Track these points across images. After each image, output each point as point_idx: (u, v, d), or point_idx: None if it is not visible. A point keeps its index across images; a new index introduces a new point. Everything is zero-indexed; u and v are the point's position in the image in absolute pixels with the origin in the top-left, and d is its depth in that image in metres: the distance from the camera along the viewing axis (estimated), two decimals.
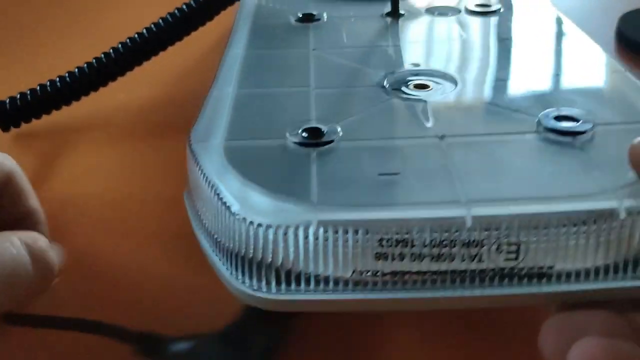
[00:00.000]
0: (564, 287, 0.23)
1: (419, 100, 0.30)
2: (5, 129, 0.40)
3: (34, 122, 0.40)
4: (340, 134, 0.27)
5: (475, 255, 0.23)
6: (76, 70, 0.40)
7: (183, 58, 0.48)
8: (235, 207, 0.23)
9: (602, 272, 0.23)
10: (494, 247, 0.22)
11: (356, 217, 0.22)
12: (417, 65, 0.33)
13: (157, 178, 0.37)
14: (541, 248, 0.23)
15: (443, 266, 0.23)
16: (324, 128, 0.27)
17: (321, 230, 0.22)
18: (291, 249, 0.23)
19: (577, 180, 0.24)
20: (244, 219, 0.23)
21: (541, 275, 0.23)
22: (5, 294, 0.23)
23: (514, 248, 0.22)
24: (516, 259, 0.23)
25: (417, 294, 0.23)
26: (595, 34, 0.51)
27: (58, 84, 0.40)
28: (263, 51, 0.36)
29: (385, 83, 0.31)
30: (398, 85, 0.31)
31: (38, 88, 0.40)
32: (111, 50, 0.41)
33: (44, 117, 0.40)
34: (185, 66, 0.49)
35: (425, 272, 0.23)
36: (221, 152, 0.26)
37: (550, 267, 0.23)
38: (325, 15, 0.41)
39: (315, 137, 0.27)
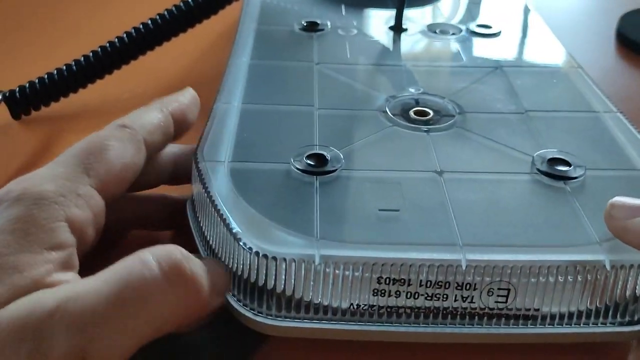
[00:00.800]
0: (549, 329, 0.24)
1: (419, 129, 0.31)
2: (16, 117, 0.41)
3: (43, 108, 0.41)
4: (343, 161, 0.28)
5: (468, 297, 0.24)
6: (82, 58, 0.41)
7: (195, 43, 0.48)
8: (241, 236, 0.24)
9: (584, 317, 0.24)
10: (486, 290, 0.24)
11: (357, 254, 0.23)
12: (418, 89, 0.34)
13: None
14: (530, 292, 0.24)
15: (437, 304, 0.24)
16: (327, 155, 0.28)
17: (323, 265, 0.23)
18: (293, 280, 0.24)
19: (567, 228, 0.25)
20: (250, 248, 0.24)
21: (527, 317, 0.24)
22: (140, 322, 0.21)
23: (504, 292, 0.24)
24: (506, 301, 0.24)
25: (409, 328, 0.24)
26: (596, 34, 0.52)
27: (65, 72, 0.41)
28: (267, 62, 0.37)
29: (386, 108, 0.32)
30: (399, 112, 0.32)
31: (46, 77, 0.40)
32: (116, 39, 0.41)
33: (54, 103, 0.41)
34: (196, 52, 0.49)
35: (419, 308, 0.24)
36: (227, 174, 0.27)
37: (537, 310, 0.24)
38: (329, 24, 0.41)
39: (318, 165, 0.28)
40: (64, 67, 0.41)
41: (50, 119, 0.41)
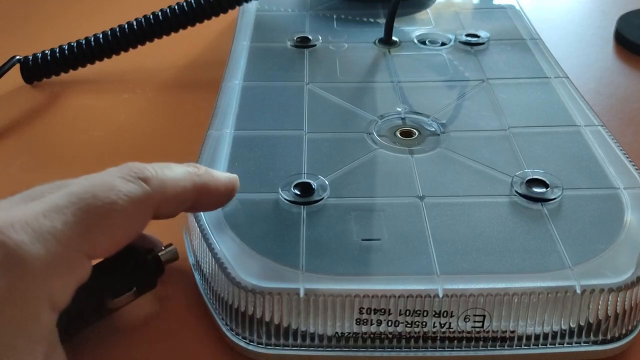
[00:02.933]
0: (525, 350, 0.26)
1: (404, 151, 0.32)
2: (29, 81, 0.45)
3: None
4: (329, 190, 0.29)
5: (445, 323, 0.25)
6: (92, 37, 0.44)
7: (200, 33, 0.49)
8: (230, 270, 0.26)
9: (559, 337, 0.26)
10: (462, 316, 0.25)
11: (339, 287, 0.25)
12: (405, 107, 0.35)
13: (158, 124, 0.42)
14: (505, 317, 0.25)
15: (416, 330, 0.25)
16: (314, 184, 0.29)
17: (306, 297, 0.25)
18: (280, 312, 0.25)
19: (541, 253, 0.26)
20: (238, 283, 0.25)
21: (504, 339, 0.26)
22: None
23: (480, 318, 0.25)
24: (482, 326, 0.25)
25: (392, 353, 0.26)
26: (594, 34, 0.52)
27: (75, 48, 0.43)
28: (259, 83, 0.38)
29: (373, 130, 0.33)
30: (385, 132, 0.33)
31: (57, 49, 0.44)
32: (126, 24, 0.44)
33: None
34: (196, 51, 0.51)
35: (400, 334, 0.25)
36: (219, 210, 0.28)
37: (513, 332, 0.26)
38: (320, 38, 0.42)
39: (305, 194, 0.29)
40: (74, 44, 0.44)
41: (59, 85, 0.45)
